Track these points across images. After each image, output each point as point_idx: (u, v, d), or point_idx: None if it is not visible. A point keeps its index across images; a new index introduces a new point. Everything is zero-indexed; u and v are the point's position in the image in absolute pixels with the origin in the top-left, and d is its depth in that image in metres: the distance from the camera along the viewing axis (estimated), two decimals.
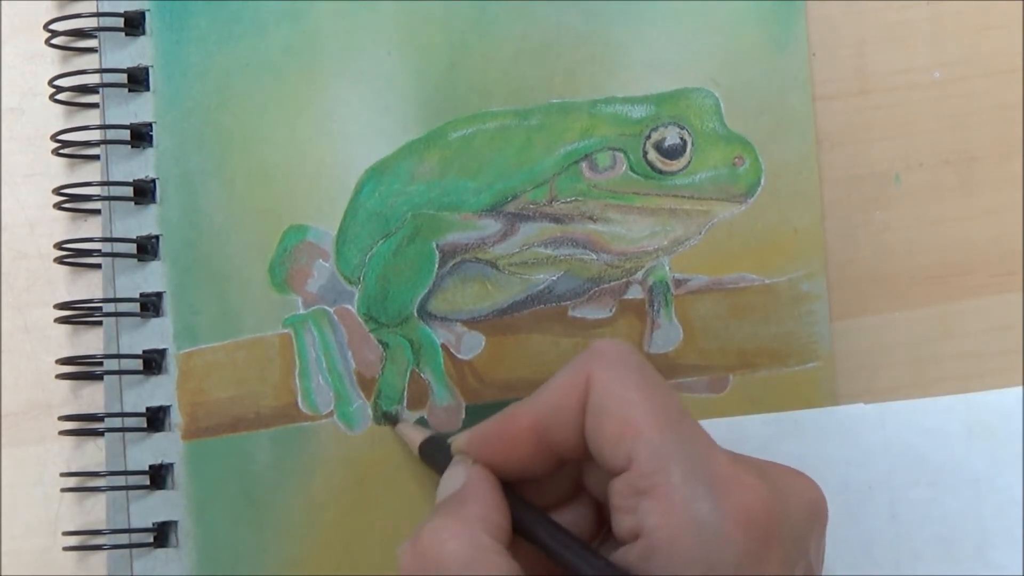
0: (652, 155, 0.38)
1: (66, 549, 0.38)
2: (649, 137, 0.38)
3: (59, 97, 0.38)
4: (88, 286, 0.39)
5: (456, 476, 0.31)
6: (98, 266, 0.38)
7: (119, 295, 0.38)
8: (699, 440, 0.29)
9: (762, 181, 0.38)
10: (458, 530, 0.29)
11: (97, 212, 0.38)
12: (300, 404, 0.38)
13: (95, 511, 0.38)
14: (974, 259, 0.40)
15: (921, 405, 0.38)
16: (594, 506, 0.32)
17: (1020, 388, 0.38)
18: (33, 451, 0.38)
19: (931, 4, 0.40)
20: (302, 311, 0.38)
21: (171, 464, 0.37)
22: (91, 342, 0.39)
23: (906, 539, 0.37)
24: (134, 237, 0.38)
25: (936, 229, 0.40)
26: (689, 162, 0.38)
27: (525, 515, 0.30)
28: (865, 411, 0.38)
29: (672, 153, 0.38)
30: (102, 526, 0.37)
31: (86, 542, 0.38)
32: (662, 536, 0.27)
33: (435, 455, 0.35)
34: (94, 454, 0.38)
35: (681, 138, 0.38)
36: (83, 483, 0.38)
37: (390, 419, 0.38)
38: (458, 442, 0.32)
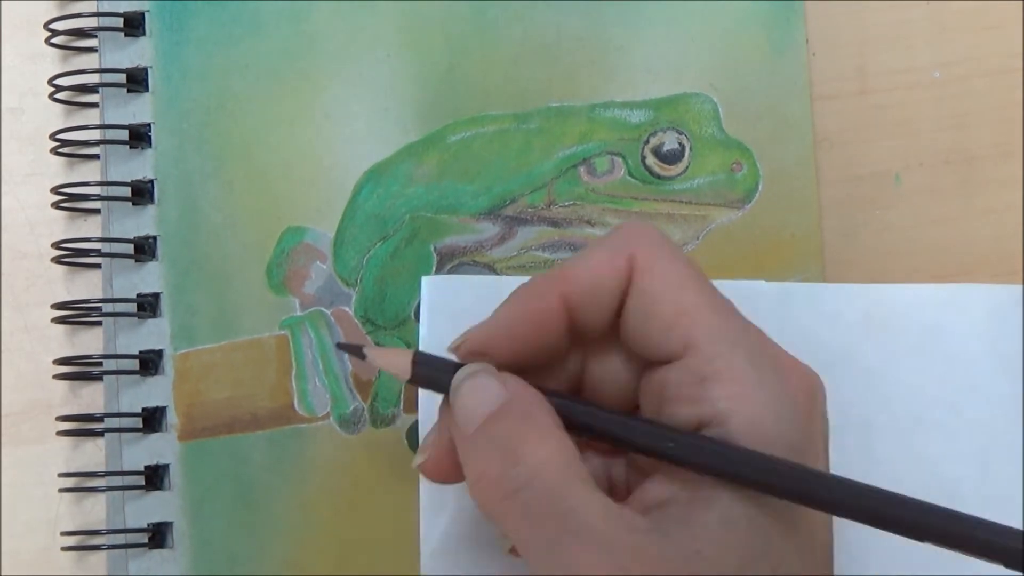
0: (650, 160, 0.38)
1: (64, 549, 0.38)
2: (647, 142, 0.38)
3: (58, 97, 0.39)
4: (87, 286, 0.39)
5: (487, 389, 0.27)
6: (96, 266, 0.38)
7: (116, 295, 0.38)
8: (750, 326, 0.28)
9: (760, 186, 0.38)
10: (542, 440, 0.26)
11: (96, 212, 0.38)
12: (296, 406, 0.38)
13: (94, 511, 0.38)
14: (974, 259, 0.40)
15: (821, 289, 0.38)
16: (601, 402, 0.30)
17: (919, 285, 0.38)
18: (33, 451, 0.38)
19: (931, 4, 0.40)
20: (299, 313, 0.38)
21: (167, 465, 0.37)
22: (89, 342, 0.39)
23: None
24: (132, 238, 0.38)
25: (936, 229, 0.40)
26: (687, 167, 0.38)
27: (585, 412, 0.28)
28: (764, 288, 0.37)
29: (670, 158, 0.38)
30: (101, 526, 0.37)
31: (84, 542, 0.38)
32: (740, 419, 0.26)
33: (435, 374, 0.28)
34: (93, 454, 0.38)
35: (679, 143, 0.38)
36: (81, 483, 0.38)
37: (386, 422, 0.38)
38: (472, 342, 0.28)
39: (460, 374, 0.28)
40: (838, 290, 0.38)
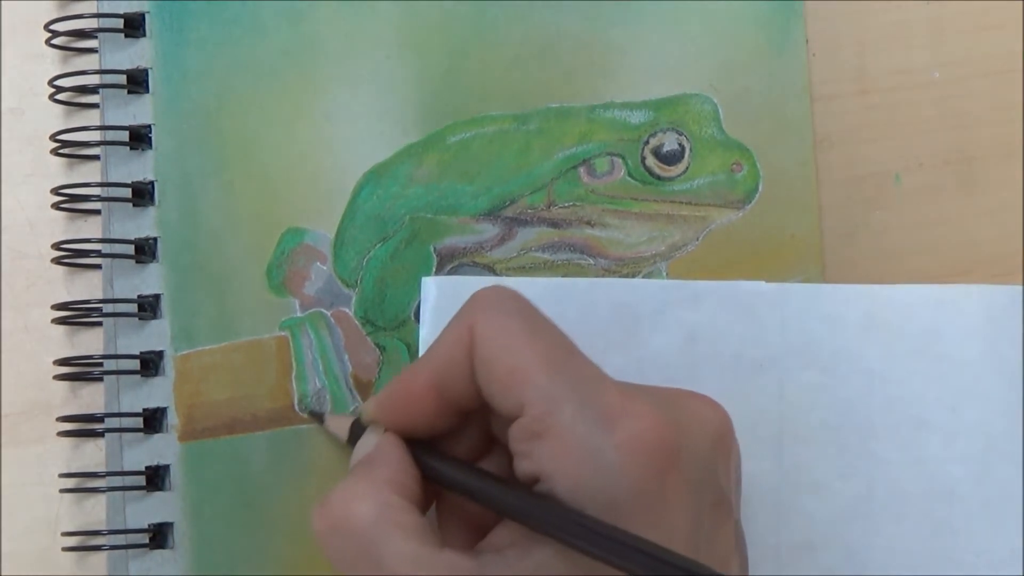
0: (650, 160, 0.38)
1: (65, 550, 0.38)
2: (647, 142, 0.38)
3: (59, 97, 0.39)
4: (88, 286, 0.39)
5: (367, 443, 0.32)
6: (96, 267, 0.38)
7: (117, 296, 0.38)
8: (588, 376, 0.29)
9: (760, 187, 0.38)
10: (365, 491, 0.29)
11: (96, 213, 0.39)
12: (296, 407, 0.38)
13: (95, 511, 0.38)
14: (974, 259, 0.40)
15: (821, 290, 0.38)
16: (508, 456, 0.32)
17: (919, 286, 0.38)
18: (33, 451, 0.38)
19: (931, 4, 0.40)
20: (299, 314, 0.38)
21: (167, 466, 0.37)
22: (90, 343, 0.39)
23: (791, 421, 0.37)
24: (132, 239, 0.38)
25: (936, 229, 0.40)
26: (687, 168, 0.38)
27: (439, 465, 0.31)
28: (764, 289, 0.37)
29: (670, 159, 0.38)
30: (102, 526, 0.37)
31: (84, 543, 0.38)
32: (560, 477, 0.27)
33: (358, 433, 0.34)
34: (93, 455, 0.38)
35: (679, 144, 0.38)
36: (81, 484, 0.38)
37: None
38: (366, 411, 0.33)
39: (366, 431, 0.33)
40: (837, 291, 0.38)
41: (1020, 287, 0.38)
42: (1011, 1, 0.40)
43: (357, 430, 0.33)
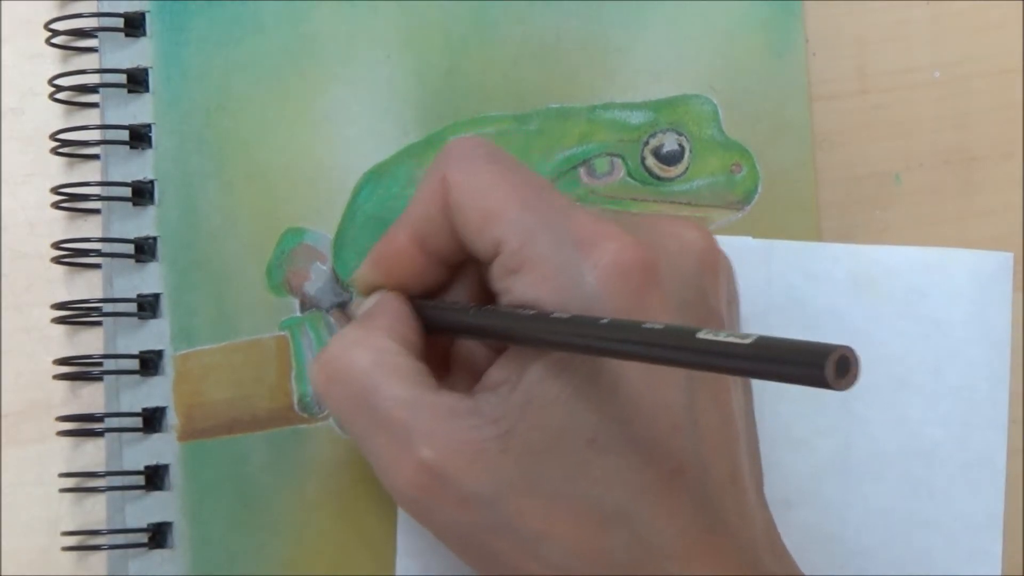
0: (650, 161, 0.38)
1: (64, 549, 0.38)
2: (647, 143, 0.38)
3: (59, 97, 0.39)
4: (88, 286, 0.39)
5: (368, 300, 0.33)
6: (96, 266, 0.38)
7: (116, 296, 0.38)
8: (560, 206, 0.29)
9: (759, 188, 0.38)
10: (362, 339, 0.30)
11: (96, 212, 0.39)
12: (296, 407, 0.38)
13: (95, 511, 0.38)
14: None
15: (807, 248, 0.38)
16: None
17: (907, 248, 0.38)
18: (33, 451, 0.38)
19: (931, 4, 0.40)
20: (299, 314, 0.38)
21: (167, 465, 0.37)
22: (90, 342, 0.39)
23: None
24: (132, 238, 0.38)
25: (936, 229, 0.40)
26: (687, 168, 0.38)
27: (433, 309, 0.32)
28: (751, 244, 0.38)
29: (670, 159, 0.38)
30: (101, 526, 0.37)
31: (84, 542, 0.38)
32: (546, 304, 0.28)
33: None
34: (93, 455, 0.38)
35: (679, 144, 0.38)
36: (81, 483, 0.38)
37: None
38: (359, 276, 0.34)
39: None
40: (824, 249, 0.38)
41: (1011, 254, 0.38)
42: (1011, 1, 0.40)
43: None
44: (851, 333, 0.37)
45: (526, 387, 0.28)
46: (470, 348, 0.32)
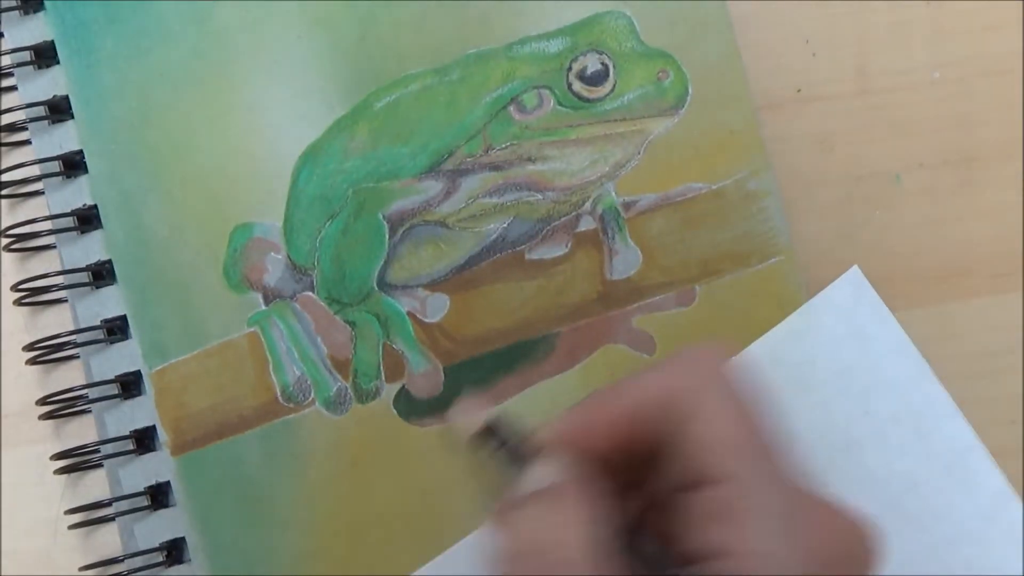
0: (577, 86, 0.38)
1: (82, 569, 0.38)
2: (570, 69, 0.38)
3: None
4: (56, 319, 0.39)
5: (545, 472, 0.28)
6: (59, 301, 0.38)
7: (83, 325, 0.38)
8: (782, 469, 0.27)
9: (690, 90, 0.38)
10: (574, 520, 0.26)
11: (46, 248, 0.39)
12: (280, 399, 0.38)
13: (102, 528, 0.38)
14: (974, 259, 0.39)
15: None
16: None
17: (769, 332, 0.37)
18: (33, 451, 0.38)
19: (931, 4, 0.40)
20: (264, 307, 0.38)
21: (167, 482, 0.37)
22: (66, 374, 0.39)
23: None
24: (85, 266, 0.38)
25: (936, 229, 0.40)
26: (614, 85, 0.38)
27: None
28: None
29: (596, 80, 0.38)
30: (107, 546, 0.38)
31: (103, 573, 0.38)
32: (735, 563, 0.26)
33: (501, 445, 0.29)
34: (92, 485, 0.38)
35: (602, 63, 0.38)
36: (88, 516, 0.38)
37: (371, 396, 0.38)
38: (551, 433, 0.28)
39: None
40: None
41: (855, 267, 0.38)
42: (1011, 1, 0.40)
43: (489, 436, 0.28)
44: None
45: None
46: None
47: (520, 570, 0.26)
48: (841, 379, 0.37)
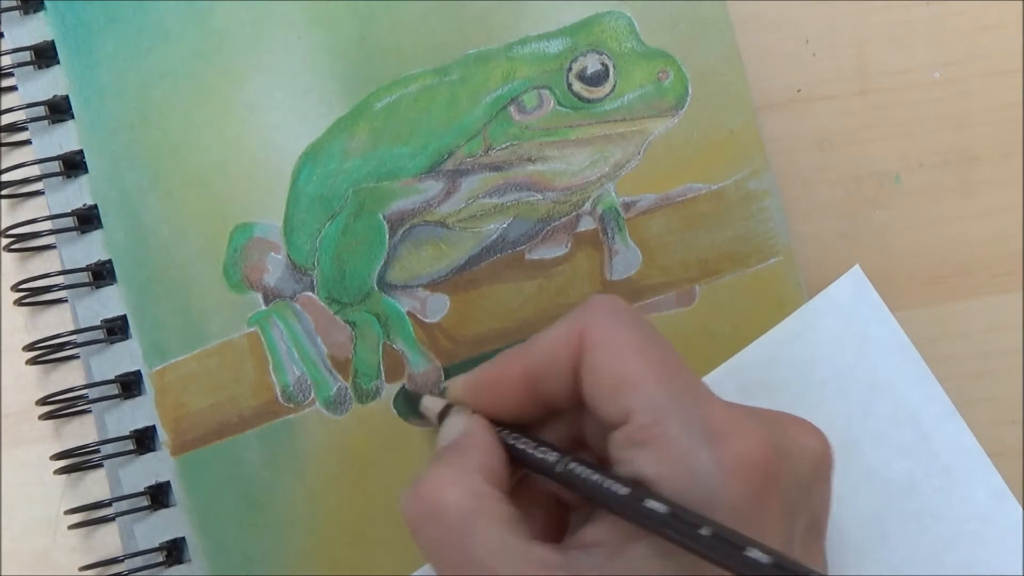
0: (577, 86, 0.38)
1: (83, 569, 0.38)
2: (570, 69, 0.38)
3: None
4: (57, 319, 0.39)
5: (455, 425, 0.32)
6: (59, 301, 0.38)
7: (83, 325, 0.38)
8: (696, 391, 0.29)
9: (689, 90, 0.38)
10: (457, 478, 0.29)
11: (46, 248, 0.39)
12: (280, 399, 0.38)
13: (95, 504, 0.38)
14: (974, 259, 0.40)
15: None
16: (593, 457, 0.32)
17: (766, 334, 0.38)
18: (33, 451, 0.38)
19: (931, 4, 0.40)
20: (264, 307, 0.38)
21: (167, 482, 0.37)
22: (67, 375, 0.39)
23: None
24: (85, 265, 0.38)
25: (936, 229, 0.40)
26: (614, 86, 0.38)
27: (534, 451, 0.31)
28: None
29: (596, 80, 0.38)
30: (106, 545, 0.38)
31: (103, 573, 0.38)
32: (666, 485, 0.27)
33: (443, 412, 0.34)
34: (92, 485, 0.38)
35: (602, 64, 0.38)
36: (88, 516, 0.38)
37: (371, 396, 0.38)
38: (453, 389, 0.33)
39: (452, 410, 0.33)
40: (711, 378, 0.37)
41: (856, 266, 0.38)
42: (1011, 1, 0.40)
43: (447, 413, 0.33)
44: None
45: (628, 561, 0.27)
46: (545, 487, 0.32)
47: (418, 530, 0.29)
48: (841, 379, 0.37)
